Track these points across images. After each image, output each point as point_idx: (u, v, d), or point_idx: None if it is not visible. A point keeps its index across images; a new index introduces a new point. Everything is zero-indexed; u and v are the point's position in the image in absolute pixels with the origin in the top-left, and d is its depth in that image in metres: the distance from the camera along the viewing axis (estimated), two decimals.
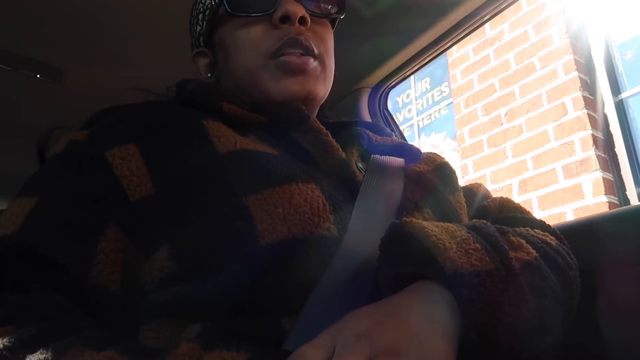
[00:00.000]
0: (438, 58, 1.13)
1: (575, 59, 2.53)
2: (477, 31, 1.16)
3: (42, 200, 0.49)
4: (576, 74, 2.50)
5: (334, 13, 0.67)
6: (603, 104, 2.45)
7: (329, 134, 0.58)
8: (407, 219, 0.43)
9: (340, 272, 0.45)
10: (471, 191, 0.69)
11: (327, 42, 0.65)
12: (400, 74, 1.16)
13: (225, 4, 0.62)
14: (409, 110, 3.84)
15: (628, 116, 2.39)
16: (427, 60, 1.11)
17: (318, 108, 0.69)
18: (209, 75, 0.70)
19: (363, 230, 0.49)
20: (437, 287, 0.40)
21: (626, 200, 2.29)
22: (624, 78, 2.46)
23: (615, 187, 2.34)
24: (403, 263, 0.43)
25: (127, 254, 0.49)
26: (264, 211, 0.46)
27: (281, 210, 0.46)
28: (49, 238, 0.46)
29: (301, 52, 0.61)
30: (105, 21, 0.98)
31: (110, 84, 1.08)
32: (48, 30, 0.99)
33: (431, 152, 0.71)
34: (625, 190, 2.31)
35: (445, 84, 3.43)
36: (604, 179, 2.30)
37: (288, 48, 0.60)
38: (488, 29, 3.00)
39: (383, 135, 0.71)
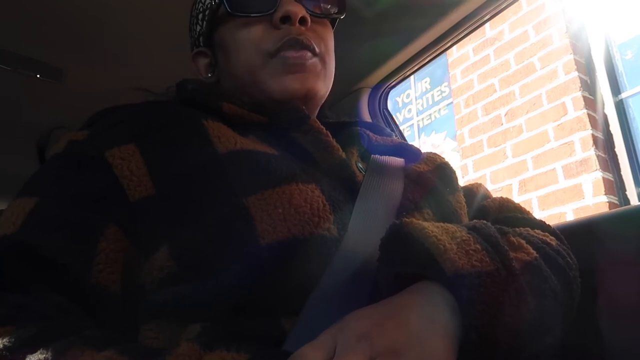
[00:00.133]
0: (438, 58, 1.13)
1: (575, 59, 2.53)
2: (477, 31, 1.16)
3: (42, 200, 0.49)
4: (576, 74, 2.50)
5: (334, 13, 0.67)
6: (603, 104, 2.45)
7: (329, 134, 0.58)
8: (407, 219, 0.43)
9: (340, 272, 0.45)
10: (471, 191, 0.69)
11: (327, 42, 0.65)
12: (400, 74, 1.16)
13: (226, 4, 0.62)
14: (409, 110, 3.84)
15: (628, 116, 2.39)
16: (427, 60, 1.11)
17: (318, 108, 0.69)
18: (209, 75, 0.70)
19: (363, 230, 0.49)
20: (438, 288, 0.40)
21: (626, 200, 2.29)
22: (624, 78, 2.46)
23: (615, 187, 2.34)
24: (403, 263, 0.43)
25: (127, 254, 0.49)
26: (264, 211, 0.46)
27: (281, 211, 0.46)
28: (49, 238, 0.46)
29: (300, 49, 0.61)
30: (105, 21, 0.98)
31: (110, 84, 1.08)
32: (48, 30, 0.99)
33: (431, 152, 0.71)
34: (625, 190, 2.31)
35: (445, 84, 3.43)
36: (604, 179, 2.31)
37: (288, 48, 0.60)
38: (488, 29, 3.00)
39: (383, 135, 0.71)
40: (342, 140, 0.61)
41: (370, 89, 1.24)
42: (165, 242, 0.48)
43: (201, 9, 0.68)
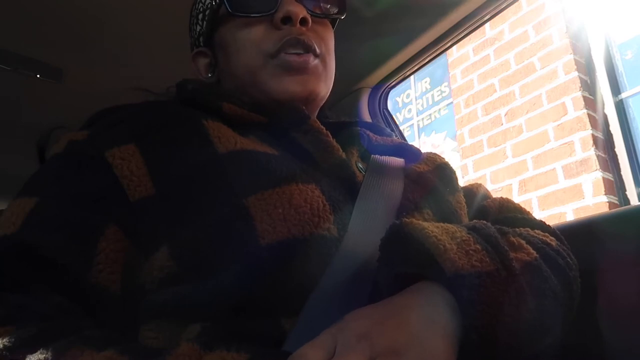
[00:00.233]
0: (438, 58, 1.13)
1: (575, 59, 2.53)
2: (477, 31, 1.16)
3: (42, 200, 0.49)
4: (576, 74, 2.50)
5: (335, 13, 0.67)
6: (603, 104, 2.45)
7: (329, 134, 0.58)
8: (407, 219, 0.43)
9: (340, 272, 0.45)
10: (471, 191, 0.69)
11: (328, 42, 0.65)
12: (400, 74, 1.16)
13: (226, 4, 0.62)
14: (409, 110, 3.84)
15: (628, 116, 2.39)
16: (427, 60, 1.11)
17: (319, 108, 0.69)
18: (209, 75, 0.70)
19: (363, 230, 0.49)
20: (438, 288, 0.40)
21: (626, 200, 2.29)
22: (624, 78, 2.46)
23: (615, 187, 2.34)
24: (403, 264, 0.43)
25: (127, 254, 0.49)
26: (264, 211, 0.46)
27: (281, 211, 0.46)
28: (49, 238, 0.46)
29: (302, 51, 0.61)
30: (105, 21, 0.98)
31: (110, 84, 1.08)
32: (48, 30, 0.99)
33: (431, 152, 0.71)
34: (625, 190, 2.31)
35: (445, 84, 3.43)
36: (604, 179, 2.31)
37: (289, 48, 0.60)
38: (488, 29, 2.99)
39: (383, 136, 0.71)
40: (342, 140, 0.61)
41: (370, 89, 1.24)
42: (165, 242, 0.48)
43: (201, 9, 0.68)
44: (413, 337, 0.35)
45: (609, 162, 2.38)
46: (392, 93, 1.29)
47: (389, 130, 0.77)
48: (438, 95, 3.56)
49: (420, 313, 0.38)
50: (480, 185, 0.72)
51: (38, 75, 1.11)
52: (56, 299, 0.44)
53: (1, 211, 0.52)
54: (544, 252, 0.48)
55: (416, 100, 3.79)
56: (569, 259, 0.51)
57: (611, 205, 2.27)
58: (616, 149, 2.37)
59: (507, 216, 0.64)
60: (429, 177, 0.62)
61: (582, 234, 0.71)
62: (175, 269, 0.47)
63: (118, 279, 0.48)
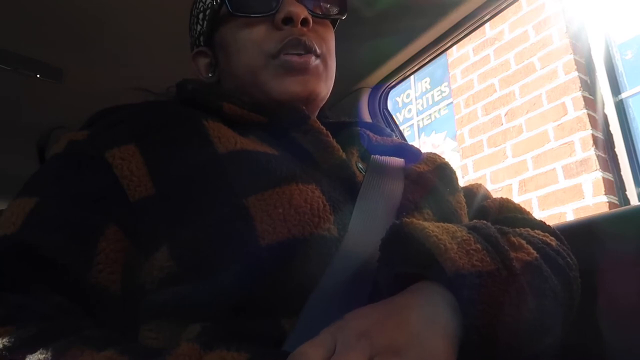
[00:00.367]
0: (438, 58, 1.13)
1: (575, 59, 2.53)
2: (477, 31, 1.15)
3: (42, 200, 0.49)
4: (576, 74, 2.50)
5: (336, 14, 0.67)
6: (603, 104, 2.45)
7: (329, 134, 0.58)
8: (407, 219, 0.43)
9: (340, 272, 0.45)
10: (471, 191, 0.69)
11: (328, 42, 0.65)
12: (400, 74, 1.16)
13: (227, 4, 0.62)
14: (409, 110, 3.84)
15: (628, 116, 2.39)
16: (427, 60, 1.11)
17: (319, 108, 0.69)
18: (210, 75, 0.70)
19: (363, 230, 0.49)
20: (438, 288, 0.40)
21: (626, 200, 2.29)
22: (624, 78, 2.46)
23: (615, 187, 2.34)
24: (403, 264, 0.43)
25: (127, 254, 0.49)
26: (264, 212, 0.46)
27: (281, 211, 0.46)
28: (49, 238, 0.46)
29: (303, 52, 0.61)
30: (105, 21, 0.98)
31: (110, 84, 1.08)
32: (48, 30, 0.99)
33: (431, 152, 0.71)
34: (625, 190, 2.31)
35: (445, 84, 3.43)
36: (604, 179, 2.31)
37: (290, 49, 0.60)
38: (488, 29, 2.99)
39: (383, 136, 0.71)
40: (342, 140, 0.61)
41: (370, 89, 1.24)
42: (165, 242, 0.48)
43: (202, 9, 0.68)
44: (413, 337, 0.35)
45: (609, 162, 2.38)
46: (392, 93, 1.29)
47: (389, 130, 0.77)
48: (438, 95, 3.56)
49: (420, 313, 0.38)
50: (480, 185, 0.72)
51: (38, 75, 1.11)
52: (56, 299, 0.44)
53: (1, 211, 0.52)
54: (544, 252, 0.48)
55: (416, 100, 3.79)
56: (569, 259, 0.51)
57: (611, 205, 2.27)
58: (616, 149, 2.37)
59: (507, 216, 0.64)
60: (429, 177, 0.62)
61: (582, 234, 0.71)
62: (175, 269, 0.47)
63: (118, 279, 0.48)
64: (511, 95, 2.79)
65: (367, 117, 1.24)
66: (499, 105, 2.85)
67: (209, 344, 0.37)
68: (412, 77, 1.44)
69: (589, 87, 2.51)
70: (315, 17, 0.64)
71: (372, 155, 0.62)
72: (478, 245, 0.41)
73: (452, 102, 3.24)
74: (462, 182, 0.81)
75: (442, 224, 0.44)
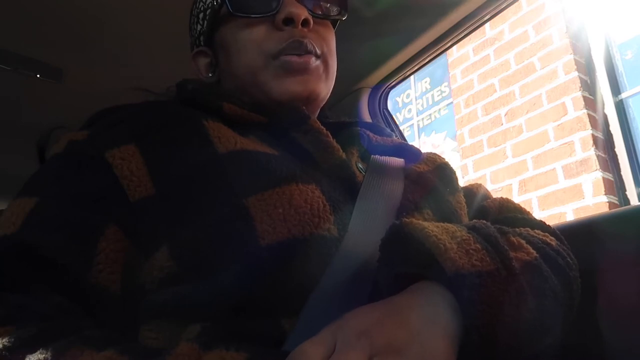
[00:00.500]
0: (438, 58, 1.13)
1: (575, 59, 2.53)
2: (477, 31, 1.16)
3: (42, 200, 0.49)
4: (576, 74, 2.50)
5: (336, 14, 0.67)
6: (603, 104, 2.45)
7: (329, 134, 0.58)
8: (407, 219, 0.43)
9: (340, 272, 0.45)
10: (471, 191, 0.69)
11: (329, 43, 0.65)
12: (400, 74, 1.16)
13: (228, 4, 0.62)
14: (409, 110, 3.84)
15: (628, 116, 2.39)
16: (427, 60, 1.11)
17: (319, 109, 0.69)
18: (210, 75, 0.70)
19: (363, 230, 0.49)
20: (438, 288, 0.40)
21: (626, 200, 2.29)
22: (624, 78, 2.46)
23: (615, 187, 2.34)
24: (403, 264, 0.43)
25: (127, 254, 0.49)
26: (264, 212, 0.46)
27: (281, 211, 0.46)
28: (49, 238, 0.46)
29: (303, 52, 0.61)
30: (105, 21, 0.98)
31: (110, 84, 1.08)
32: (48, 30, 0.99)
33: (431, 152, 0.71)
34: (625, 190, 2.31)
35: (445, 84, 3.43)
36: (604, 179, 2.31)
37: (291, 50, 0.60)
38: (488, 29, 2.99)
39: (383, 136, 0.71)
40: (342, 140, 0.61)
41: (370, 89, 1.24)
42: (165, 242, 0.48)
43: (202, 8, 0.68)
44: (413, 336, 0.35)
45: (609, 162, 2.38)
46: (392, 93, 1.29)
47: (389, 130, 0.77)
48: (438, 95, 3.56)
49: (420, 313, 0.38)
50: (480, 185, 0.72)
51: (38, 75, 1.11)
52: (56, 299, 0.44)
53: (1, 211, 0.52)
54: (544, 251, 0.48)
55: (416, 100, 3.79)
56: (569, 259, 0.51)
57: (611, 205, 2.27)
58: (616, 149, 2.37)
59: (507, 216, 0.64)
60: (429, 177, 0.62)
61: (582, 234, 0.71)
62: (175, 269, 0.47)
63: (118, 279, 0.48)
64: (511, 95, 2.79)
65: (367, 117, 1.25)
66: (499, 105, 2.85)
67: (208, 344, 0.37)
68: (412, 77, 1.44)
69: (589, 87, 2.52)
70: (316, 17, 0.64)
71: (372, 155, 0.62)
72: (478, 245, 0.41)
73: (452, 102, 3.24)
74: (462, 182, 0.81)
75: (441, 224, 0.44)
